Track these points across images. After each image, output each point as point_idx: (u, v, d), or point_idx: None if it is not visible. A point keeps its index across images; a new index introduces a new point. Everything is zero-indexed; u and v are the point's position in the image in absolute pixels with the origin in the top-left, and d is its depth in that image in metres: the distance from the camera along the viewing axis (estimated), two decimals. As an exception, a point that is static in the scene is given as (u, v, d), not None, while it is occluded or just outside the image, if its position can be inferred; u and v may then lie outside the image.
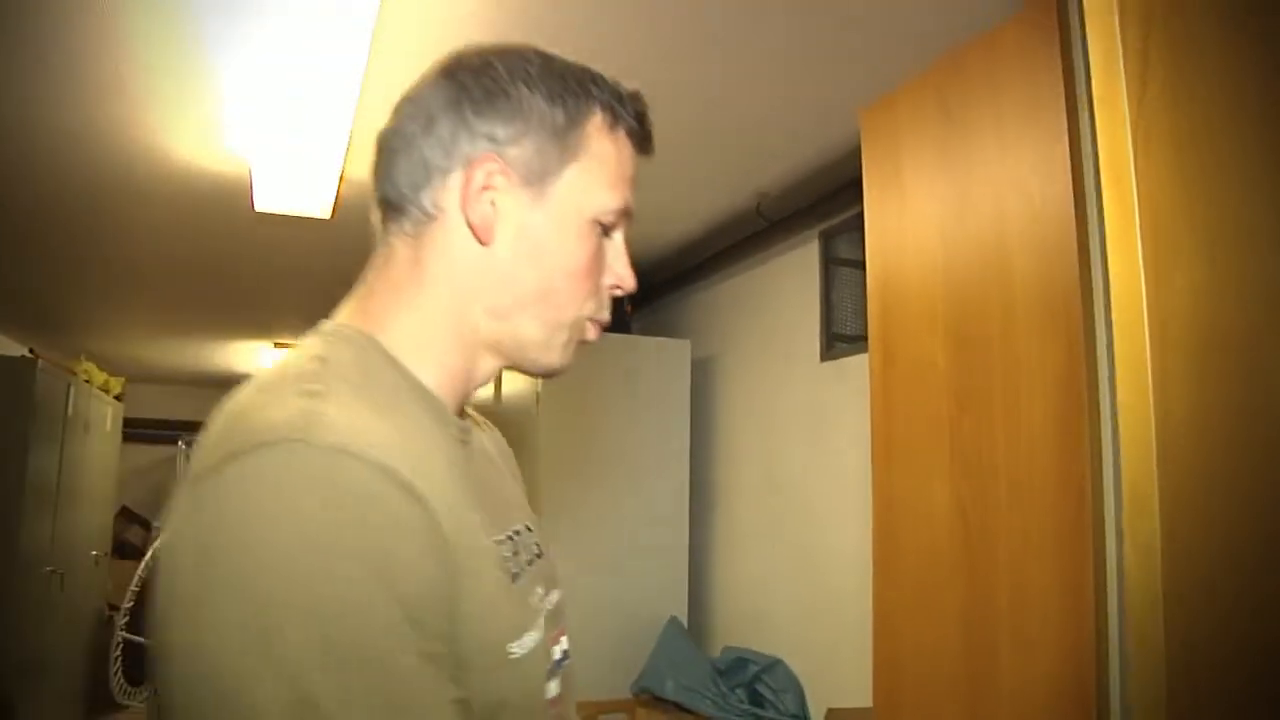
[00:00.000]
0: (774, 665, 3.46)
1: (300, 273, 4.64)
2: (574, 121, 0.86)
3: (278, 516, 0.65)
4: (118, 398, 5.99)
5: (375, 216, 0.91)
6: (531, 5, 2.09)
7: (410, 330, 0.86)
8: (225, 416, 0.74)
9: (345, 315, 0.89)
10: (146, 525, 7.52)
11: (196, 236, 3.96)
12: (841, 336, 3.41)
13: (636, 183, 0.92)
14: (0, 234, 4.02)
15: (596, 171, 0.87)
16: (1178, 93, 0.93)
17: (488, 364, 0.90)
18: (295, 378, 0.76)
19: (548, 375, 0.92)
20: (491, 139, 0.84)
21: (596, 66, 0.91)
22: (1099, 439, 1.33)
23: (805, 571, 3.49)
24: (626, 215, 0.91)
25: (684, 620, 4.02)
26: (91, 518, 5.62)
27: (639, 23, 2.17)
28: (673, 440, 4.12)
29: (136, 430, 7.19)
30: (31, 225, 3.91)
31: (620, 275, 0.92)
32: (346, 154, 2.80)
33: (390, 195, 0.87)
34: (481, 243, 0.85)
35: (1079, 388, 1.37)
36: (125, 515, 7.42)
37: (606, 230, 0.90)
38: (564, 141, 0.85)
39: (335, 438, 0.68)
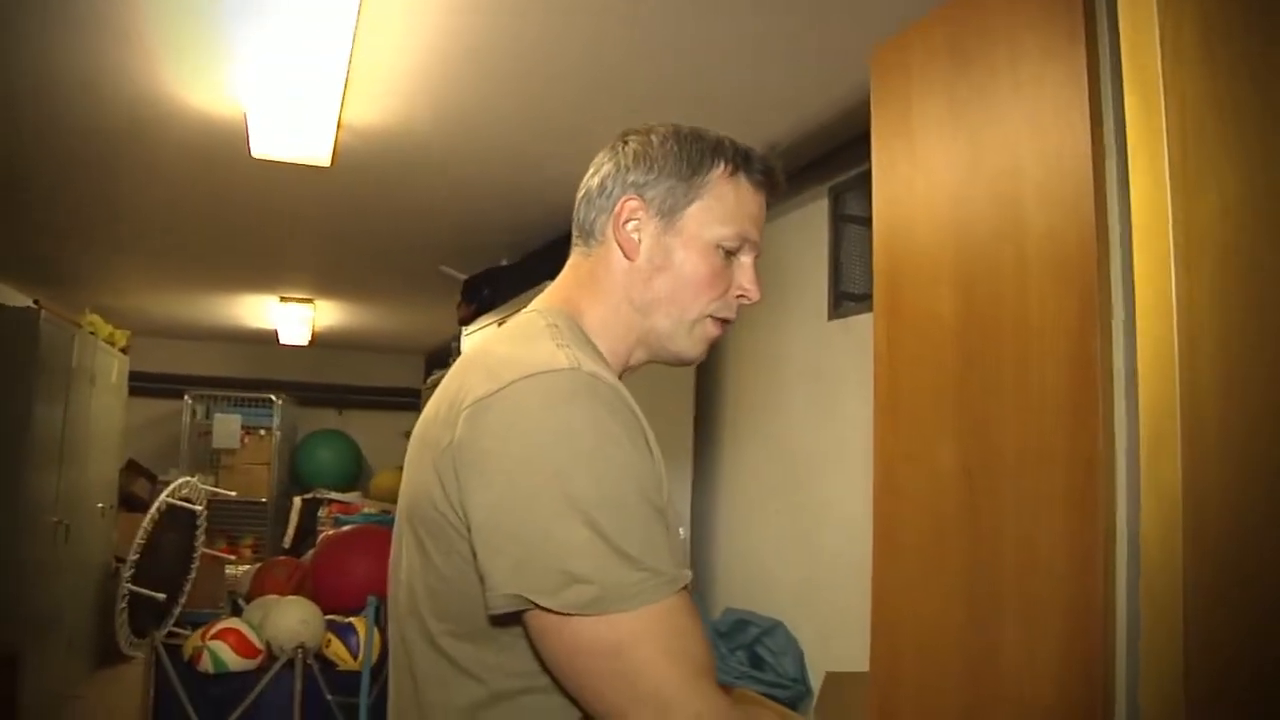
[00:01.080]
0: (774, 628, 3.45)
1: (304, 223, 4.60)
2: (698, 171, 1.17)
3: (571, 411, 0.98)
4: (124, 350, 5.97)
5: (575, 239, 1.24)
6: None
7: (596, 317, 1.18)
8: (490, 359, 1.07)
9: (552, 301, 1.20)
10: (153, 478, 7.54)
11: (198, 185, 3.92)
12: (850, 295, 3.36)
13: (762, 218, 1.21)
14: (6, 184, 3.98)
15: (716, 209, 1.17)
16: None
17: (638, 354, 1.22)
18: (546, 335, 1.09)
19: (681, 363, 1.25)
20: (635, 185, 1.18)
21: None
22: (1111, 402, 1.28)
23: (809, 535, 3.46)
24: (749, 243, 1.20)
25: (686, 580, 3.98)
26: (98, 471, 5.62)
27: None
28: (677, 400, 4.08)
29: (143, 384, 7.19)
30: (35, 176, 3.88)
31: (745, 288, 1.21)
32: (344, 98, 2.75)
33: (580, 225, 1.22)
34: (628, 258, 1.18)
35: (1092, 347, 1.31)
36: (132, 468, 7.43)
37: (732, 253, 1.19)
38: (689, 185, 1.17)
39: (592, 369, 1.02)
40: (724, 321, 1.23)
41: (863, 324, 3.20)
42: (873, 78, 1.83)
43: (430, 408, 1.13)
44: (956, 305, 1.61)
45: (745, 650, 3.45)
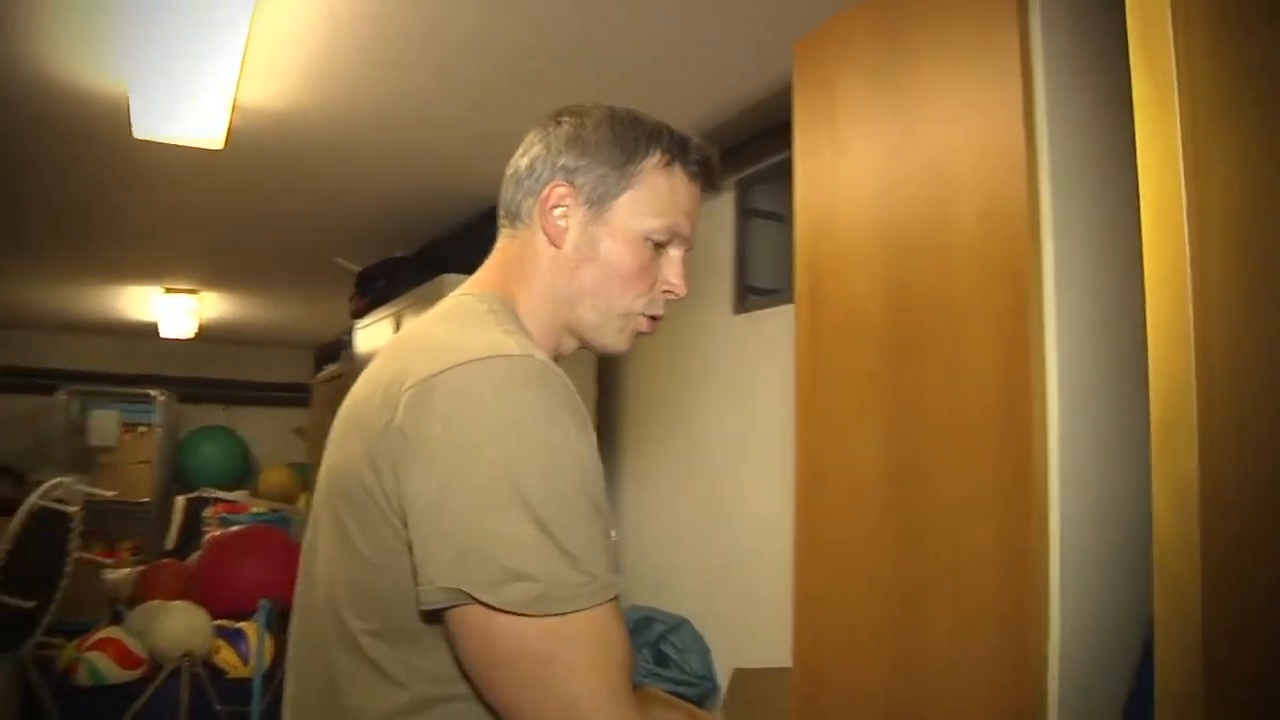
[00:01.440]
0: (680, 625, 3.43)
1: (191, 211, 4.40)
2: (631, 158, 1.12)
3: (523, 399, 0.94)
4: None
5: (500, 219, 1.20)
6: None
7: (528, 303, 1.14)
8: (431, 340, 1.04)
9: (484, 285, 1.16)
10: (21, 479, 7.14)
11: (75, 168, 3.71)
12: (756, 289, 3.35)
13: (695, 211, 1.17)
14: None
15: (648, 199, 1.13)
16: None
17: (568, 342, 1.18)
18: (489, 319, 1.06)
19: (607, 354, 1.21)
20: (565, 169, 1.13)
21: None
22: (1044, 394, 1.27)
23: (714, 531, 3.45)
24: (679, 236, 1.16)
25: (589, 577, 3.93)
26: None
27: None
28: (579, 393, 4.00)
29: (13, 378, 6.81)
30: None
31: (671, 283, 1.17)
32: (240, 76, 2.61)
33: (507, 206, 1.18)
34: (554, 246, 1.14)
35: (1026, 338, 1.30)
36: (-3, 468, 7.03)
37: (661, 245, 1.14)
38: (622, 173, 1.12)
39: (543, 357, 0.99)
40: (654, 318, 1.19)
41: (770, 318, 3.20)
42: (796, 67, 1.80)
43: (362, 389, 1.06)
44: (883, 296, 1.59)
45: (650, 648, 3.42)
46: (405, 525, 0.94)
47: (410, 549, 0.93)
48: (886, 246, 1.59)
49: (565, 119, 1.16)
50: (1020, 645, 1.26)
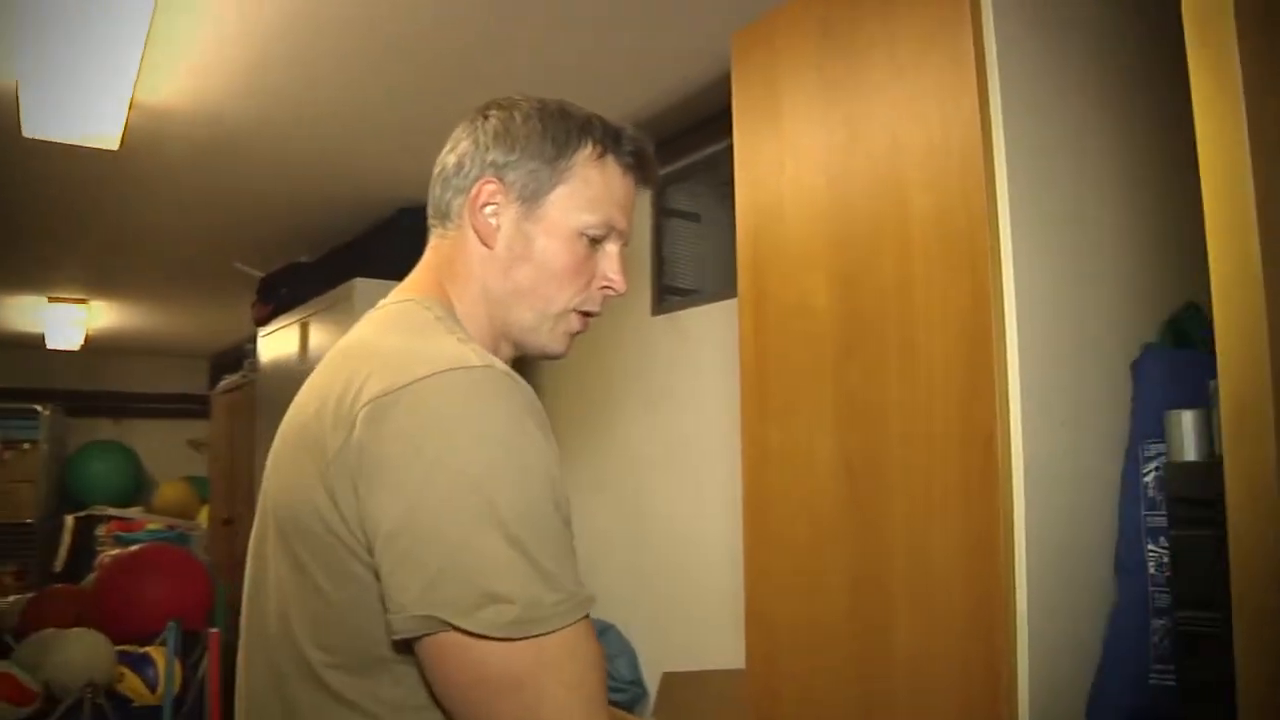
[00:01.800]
0: (606, 631, 3.38)
1: (81, 214, 4.18)
2: (563, 152, 1.08)
3: (492, 413, 0.90)
4: None
5: (431, 220, 1.16)
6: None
7: (463, 307, 1.10)
8: (381, 351, 0.98)
9: (423, 289, 1.11)
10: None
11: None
12: (675, 290, 3.33)
13: (630, 205, 1.13)
14: None
15: (581, 193, 1.09)
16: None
17: (504, 349, 1.13)
18: (439, 327, 1.02)
19: (545, 357, 1.15)
20: (494, 165, 1.09)
21: None
22: (1006, 384, 1.26)
23: (638, 534, 3.41)
24: (616, 231, 1.12)
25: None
26: None
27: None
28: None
29: None
30: None
31: (610, 278, 1.13)
32: (139, 73, 2.48)
33: (436, 205, 1.14)
34: (486, 246, 1.10)
35: (988, 329, 1.29)
36: None
37: (597, 241, 1.11)
38: (553, 167, 1.08)
39: (502, 367, 0.94)
40: (588, 315, 1.15)
41: (689, 319, 3.18)
42: (734, 61, 1.77)
43: (307, 404, 1.00)
44: (832, 294, 1.57)
45: (577, 655, 3.37)
46: (370, 551, 0.89)
47: (377, 575, 0.89)
48: (836, 241, 1.58)
49: (493, 113, 1.12)
50: (987, 642, 1.25)
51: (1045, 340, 1.28)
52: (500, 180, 1.09)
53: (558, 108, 1.12)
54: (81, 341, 6.87)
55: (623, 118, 2.98)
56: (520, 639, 0.84)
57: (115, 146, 3.00)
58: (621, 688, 3.22)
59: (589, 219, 1.09)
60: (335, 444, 0.91)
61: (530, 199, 1.09)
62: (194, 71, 2.63)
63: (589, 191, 1.09)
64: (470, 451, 0.88)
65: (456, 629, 0.84)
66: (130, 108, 2.72)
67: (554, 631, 0.85)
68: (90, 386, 8.23)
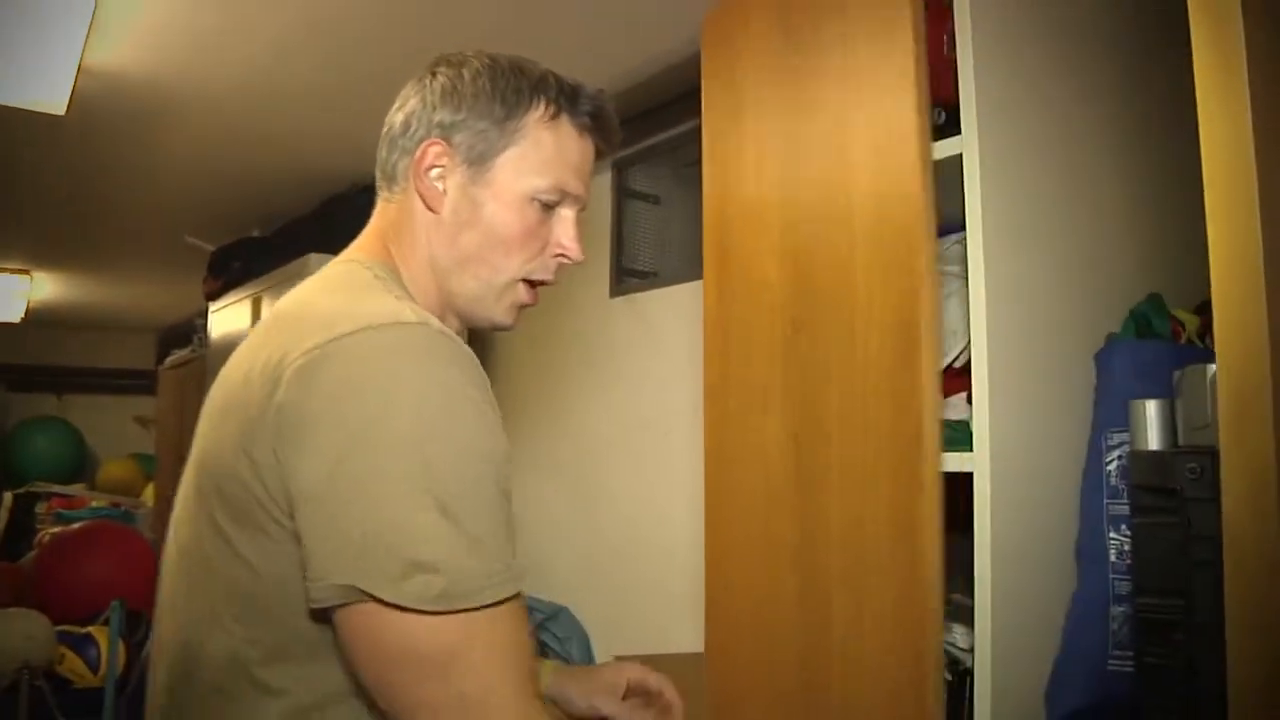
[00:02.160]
0: (558, 613, 3.37)
1: (24, 182, 4.05)
2: (513, 112, 1.04)
3: (425, 371, 0.85)
4: None
5: (378, 182, 1.11)
6: None
7: (410, 274, 1.06)
8: (314, 311, 0.93)
9: (369, 252, 1.07)
10: None
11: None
12: (634, 272, 3.31)
13: (587, 169, 1.09)
14: None
15: (531, 156, 1.04)
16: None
17: (450, 320, 1.08)
18: (378, 286, 0.99)
19: (493, 328, 1.11)
20: (441, 126, 1.04)
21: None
22: (935, 373, 1.27)
23: (591, 517, 3.40)
24: (570, 196, 1.07)
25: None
26: None
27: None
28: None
29: None
30: None
31: (565, 246, 1.09)
32: (88, 37, 2.40)
33: (382, 167, 1.10)
34: (432, 210, 1.05)
35: (919, 320, 1.30)
36: None
37: (550, 206, 1.06)
38: (503, 129, 1.04)
39: (439, 325, 0.90)
40: (539, 284, 1.11)
41: (648, 301, 3.17)
42: (704, 43, 1.78)
43: (236, 369, 0.95)
44: (784, 274, 1.58)
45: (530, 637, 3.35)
46: (291, 516, 0.85)
47: (299, 541, 0.84)
48: (787, 227, 1.59)
49: (441, 69, 1.07)
50: (916, 622, 1.27)
51: (1012, 328, 1.28)
52: (447, 141, 1.04)
53: (510, 65, 1.07)
54: (23, 314, 6.71)
55: (607, 85, 2.95)
56: (446, 613, 0.79)
57: (62, 112, 2.90)
58: (574, 671, 3.21)
59: (540, 183, 1.05)
60: (259, 405, 0.87)
61: (478, 162, 1.04)
62: (146, 37, 2.55)
63: (541, 154, 1.05)
64: (401, 411, 0.83)
65: (377, 600, 0.79)
66: (78, 72, 2.64)
67: (483, 607, 0.81)
68: (31, 360, 8.04)
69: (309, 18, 2.48)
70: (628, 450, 3.21)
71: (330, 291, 1.00)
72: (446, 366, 0.86)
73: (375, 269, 1.02)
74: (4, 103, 2.80)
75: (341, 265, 1.06)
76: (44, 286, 6.38)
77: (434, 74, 1.07)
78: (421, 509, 0.80)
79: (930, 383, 1.30)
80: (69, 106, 2.87)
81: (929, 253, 1.32)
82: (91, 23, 2.33)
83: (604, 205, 3.40)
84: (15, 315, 6.67)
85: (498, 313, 1.09)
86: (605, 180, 3.40)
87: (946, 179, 1.33)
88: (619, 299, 3.33)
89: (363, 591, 0.79)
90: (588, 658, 3.28)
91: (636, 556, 3.11)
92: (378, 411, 0.82)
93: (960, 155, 1.27)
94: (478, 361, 0.90)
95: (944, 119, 1.41)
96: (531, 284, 1.10)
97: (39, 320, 7.31)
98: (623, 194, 3.36)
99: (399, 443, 0.82)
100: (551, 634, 3.34)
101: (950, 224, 1.53)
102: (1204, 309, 1.40)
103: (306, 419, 0.84)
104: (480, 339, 4.14)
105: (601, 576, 3.31)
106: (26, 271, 6.02)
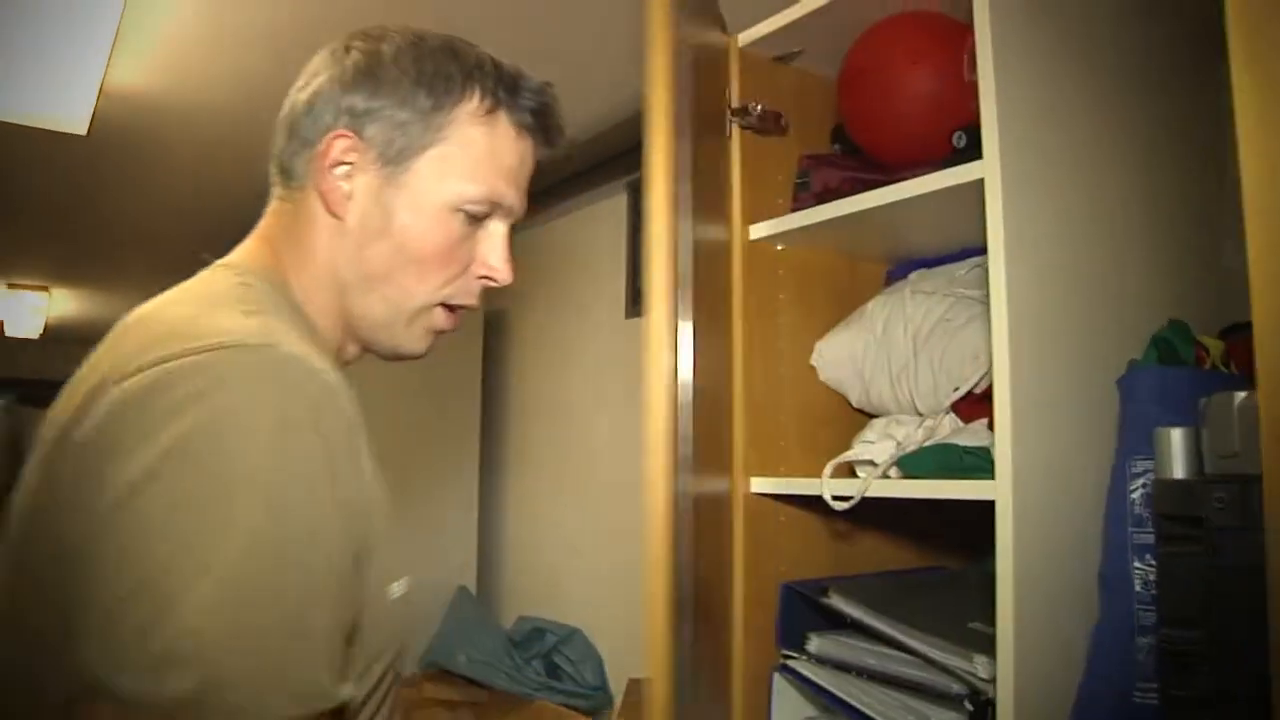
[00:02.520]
0: (572, 635, 3.36)
1: (45, 199, 4.10)
2: (440, 104, 0.88)
3: (248, 410, 0.68)
4: None
5: (272, 174, 0.94)
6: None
7: (305, 287, 0.89)
8: (152, 326, 0.76)
9: (252, 255, 0.90)
10: None
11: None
12: (652, 292, 3.30)
13: (524, 175, 0.93)
14: None
15: (458, 158, 0.88)
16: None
17: (350, 348, 0.94)
18: (232, 299, 0.80)
19: (398, 357, 0.95)
20: (351, 113, 0.87)
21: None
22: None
23: (606, 538, 3.38)
24: (502, 207, 0.92)
25: (473, 590, 3.82)
26: None
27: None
28: (462, 399, 3.89)
29: None
30: None
31: (491, 266, 0.93)
32: (110, 58, 2.42)
33: (280, 158, 0.92)
34: (334, 215, 0.88)
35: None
36: None
37: (478, 218, 0.91)
38: (427, 122, 0.87)
39: (292, 349, 0.72)
40: (458, 309, 0.95)
41: (666, 323, 3.15)
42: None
43: (66, 391, 0.78)
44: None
45: (542, 660, 3.33)
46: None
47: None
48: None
49: (357, 45, 0.91)
50: None
51: (1034, 353, 1.27)
52: (357, 134, 0.87)
53: (441, 45, 0.91)
54: (42, 330, 6.75)
55: (603, 117, 2.95)
56: None
57: (83, 132, 2.94)
58: (587, 694, 3.18)
59: (467, 190, 0.89)
60: (65, 433, 0.71)
61: (395, 161, 0.88)
62: (164, 57, 2.58)
63: (470, 155, 0.89)
64: (198, 461, 0.65)
65: (110, 693, 0.61)
66: (100, 93, 2.66)
67: None
68: (50, 375, 8.06)
69: (327, 39, 2.49)
70: (641, 472, 3.19)
71: (181, 301, 0.82)
72: (284, 401, 0.69)
73: (248, 277, 0.85)
74: (28, 123, 2.83)
75: (209, 270, 0.88)
76: (62, 303, 6.43)
77: (348, 49, 0.91)
78: (197, 584, 0.62)
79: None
80: (90, 127, 2.91)
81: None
82: (114, 44, 2.35)
83: (620, 226, 3.40)
84: (34, 331, 6.71)
85: (406, 341, 0.93)
86: (622, 201, 3.40)
87: (967, 202, 1.32)
88: (636, 320, 3.33)
89: (103, 681, 0.61)
90: (601, 681, 3.26)
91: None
92: (170, 462, 0.65)
93: (981, 180, 1.25)
94: (341, 392, 0.74)
95: (965, 143, 1.39)
96: (450, 308, 0.94)
97: (57, 336, 7.36)
98: (639, 215, 3.36)
99: (185, 497, 0.64)
100: (565, 657, 3.32)
101: (970, 248, 1.52)
102: (1228, 334, 1.38)
103: (94, 463, 0.67)
104: (492, 361, 4.13)
105: (615, 598, 3.28)
106: (45, 288, 6.07)
